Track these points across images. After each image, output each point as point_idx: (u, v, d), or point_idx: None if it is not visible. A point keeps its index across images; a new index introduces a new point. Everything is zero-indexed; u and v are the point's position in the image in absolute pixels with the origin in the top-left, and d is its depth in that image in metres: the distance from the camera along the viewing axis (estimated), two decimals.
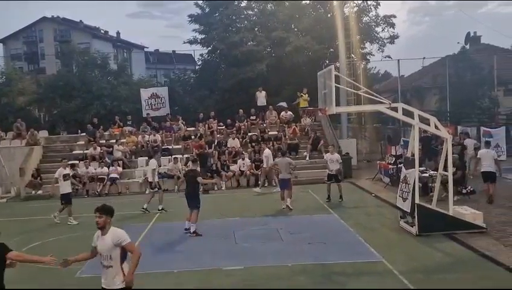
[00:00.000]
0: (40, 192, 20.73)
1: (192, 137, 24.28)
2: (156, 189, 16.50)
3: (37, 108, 33.06)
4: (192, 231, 12.62)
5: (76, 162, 22.43)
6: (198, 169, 14.62)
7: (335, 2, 26.47)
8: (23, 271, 10.26)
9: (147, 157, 22.72)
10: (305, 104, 25.49)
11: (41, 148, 24.62)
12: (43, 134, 26.28)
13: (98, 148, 23.26)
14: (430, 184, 15.22)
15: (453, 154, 12.45)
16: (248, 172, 21.53)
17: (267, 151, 20.77)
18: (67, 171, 15.89)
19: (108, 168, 21.93)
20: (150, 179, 16.75)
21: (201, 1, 33.13)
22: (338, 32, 25.68)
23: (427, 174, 15.35)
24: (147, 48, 70.75)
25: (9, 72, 33.68)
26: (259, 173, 21.17)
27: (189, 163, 15.96)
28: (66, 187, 15.47)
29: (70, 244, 12.48)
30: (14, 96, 31.07)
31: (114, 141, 23.95)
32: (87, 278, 9.57)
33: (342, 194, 16.56)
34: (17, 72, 35.82)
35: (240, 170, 21.70)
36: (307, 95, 24.79)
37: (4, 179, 21.65)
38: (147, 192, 20.95)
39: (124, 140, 24.18)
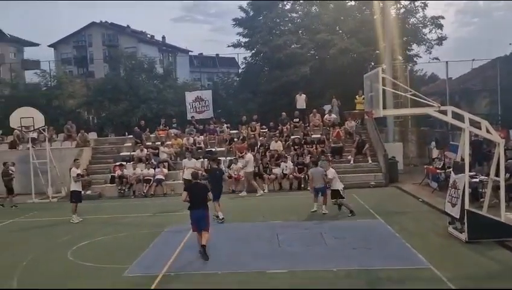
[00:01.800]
0: (89, 192, 21.29)
1: (235, 139, 24.44)
2: None
3: (86, 111, 34.03)
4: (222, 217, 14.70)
5: (124, 163, 22.98)
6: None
7: (381, 3, 26.06)
8: (71, 268, 10.61)
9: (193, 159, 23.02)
10: (361, 107, 25.19)
11: (90, 150, 25.39)
12: (92, 136, 27.09)
13: (145, 150, 23.75)
14: (481, 190, 14.75)
15: (508, 159, 12.02)
16: (291, 175, 21.44)
17: (248, 156, 21.01)
18: (79, 171, 16.75)
19: (154, 169, 22.32)
20: None
21: (248, 0, 33.30)
22: (384, 33, 25.27)
23: (477, 180, 14.89)
24: (191, 51, 71.79)
25: (60, 75, 34.76)
26: (302, 176, 21.15)
27: (211, 162, 17.10)
28: (77, 186, 16.23)
29: (117, 244, 12.80)
30: (65, 99, 32.09)
31: (160, 143, 24.37)
32: (134, 277, 9.76)
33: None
34: (67, 76, 36.96)
35: (282, 173, 21.64)
36: (362, 97, 24.43)
37: (55, 179, 22.34)
38: None
39: (170, 142, 24.59)
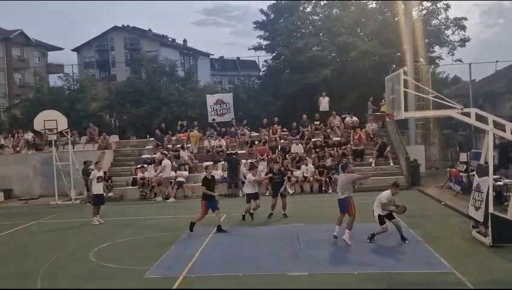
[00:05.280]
0: (110, 194, 21.57)
1: (256, 142, 24.46)
2: None
3: (108, 114, 34.39)
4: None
5: (145, 165, 23.17)
6: None
7: (403, 5, 25.83)
8: (93, 269, 10.73)
9: (212, 162, 23.12)
10: (384, 109, 25.00)
11: (112, 152, 25.72)
12: (114, 138, 27.42)
13: (166, 153, 23.90)
14: (505, 193, 14.49)
15: None
16: (311, 178, 21.36)
17: (164, 162, 21.64)
18: (101, 174, 16.83)
19: (176, 172, 22.45)
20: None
21: (271, 0, 33.33)
22: (406, 36, 25.02)
23: (501, 183, 14.64)
24: (212, 54, 72.16)
25: (83, 79, 35.24)
26: (323, 178, 21.04)
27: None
28: (98, 188, 16.39)
29: (139, 246, 12.90)
30: (88, 102, 32.47)
31: (180, 145, 24.54)
32: (156, 278, 9.82)
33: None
34: (90, 80, 37.40)
35: (303, 176, 21.58)
36: (383, 100, 24.24)
37: (78, 181, 22.59)
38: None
39: (190, 145, 24.77)
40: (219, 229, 13.75)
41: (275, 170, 15.68)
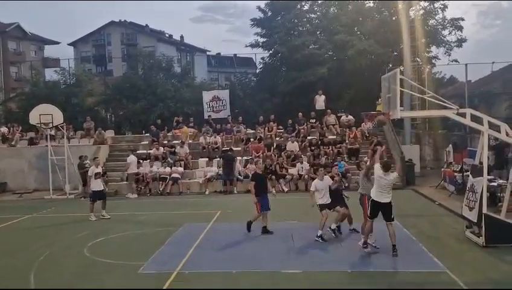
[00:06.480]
0: (106, 189, 21.48)
1: (252, 139, 24.45)
2: None
3: (104, 109, 34.30)
4: None
5: (141, 161, 23.12)
6: None
7: (400, 5, 25.86)
8: (87, 264, 10.72)
9: (207, 159, 23.13)
10: (380, 109, 25.04)
11: (107, 147, 25.67)
12: (109, 134, 27.35)
13: (161, 149, 23.89)
14: (499, 194, 14.56)
15: None
16: (306, 176, 21.38)
17: (130, 158, 21.70)
18: (99, 170, 16.68)
19: (171, 168, 22.43)
20: None
21: (267, 0, 33.28)
22: (403, 35, 25.06)
23: (495, 183, 14.70)
24: (209, 51, 71.94)
25: (80, 73, 35.12)
26: None
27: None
28: (96, 185, 16.27)
29: (133, 241, 12.90)
30: (84, 97, 32.37)
31: (177, 141, 24.52)
32: (149, 274, 9.82)
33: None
34: (86, 74, 37.26)
35: (298, 173, 21.60)
36: (380, 100, 24.27)
37: (72, 176, 22.56)
38: (207, 193, 21.34)
39: (185, 140, 24.78)
40: (265, 230, 13.02)
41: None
